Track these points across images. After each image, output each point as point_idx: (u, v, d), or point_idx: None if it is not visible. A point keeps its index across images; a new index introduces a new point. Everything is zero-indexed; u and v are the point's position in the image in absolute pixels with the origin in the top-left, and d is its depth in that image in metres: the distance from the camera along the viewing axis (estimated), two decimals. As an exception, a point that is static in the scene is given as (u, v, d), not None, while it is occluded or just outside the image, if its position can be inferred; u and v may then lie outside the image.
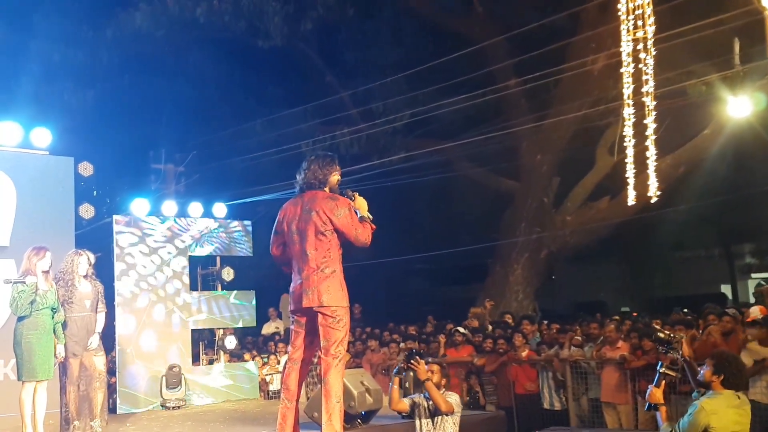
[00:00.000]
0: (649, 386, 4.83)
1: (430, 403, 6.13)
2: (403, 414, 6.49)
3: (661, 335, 4.97)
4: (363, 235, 5.17)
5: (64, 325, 6.82)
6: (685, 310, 11.59)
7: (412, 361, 6.12)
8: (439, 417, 6.11)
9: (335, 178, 5.36)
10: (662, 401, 4.76)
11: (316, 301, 5.10)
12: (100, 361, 7.08)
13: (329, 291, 5.10)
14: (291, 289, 5.32)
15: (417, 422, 6.23)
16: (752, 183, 14.71)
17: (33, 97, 12.07)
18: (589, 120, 14.41)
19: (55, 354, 6.62)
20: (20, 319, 6.46)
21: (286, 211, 5.35)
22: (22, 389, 6.43)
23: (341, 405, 5.15)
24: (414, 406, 6.25)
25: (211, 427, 7.82)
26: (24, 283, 6.41)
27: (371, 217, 5.31)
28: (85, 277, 7.15)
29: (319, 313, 5.13)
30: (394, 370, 6.45)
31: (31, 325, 6.42)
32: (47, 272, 6.65)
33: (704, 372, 4.71)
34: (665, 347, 4.95)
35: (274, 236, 5.45)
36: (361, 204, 5.31)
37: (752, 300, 12.92)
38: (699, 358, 8.10)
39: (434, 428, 6.12)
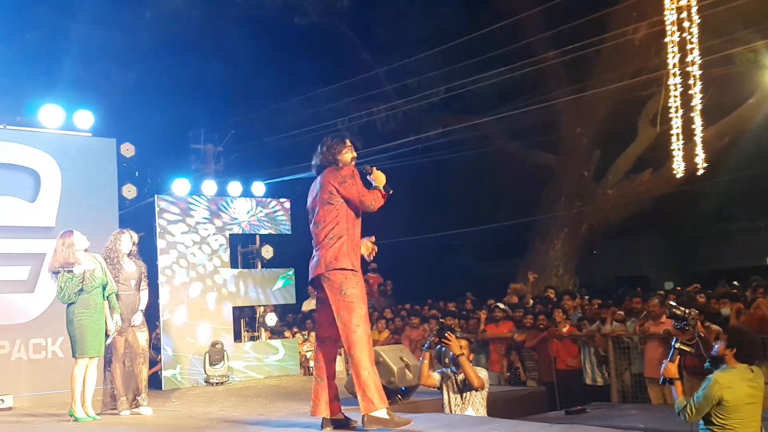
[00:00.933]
0: (664, 361, 4.92)
1: (460, 377, 6.13)
2: (436, 388, 6.46)
3: (677, 312, 5.02)
4: (368, 199, 5.19)
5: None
6: (735, 283, 11.39)
7: (445, 336, 6.10)
8: (468, 392, 6.10)
9: (348, 155, 5.40)
10: (677, 376, 4.86)
11: (323, 268, 5.12)
12: (143, 337, 7.21)
13: (336, 257, 5.10)
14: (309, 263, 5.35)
15: (445, 396, 6.22)
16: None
17: (75, 79, 12.24)
18: (629, 91, 14.11)
19: (106, 332, 6.73)
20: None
21: (308, 194, 5.46)
22: (75, 366, 6.58)
23: (374, 375, 5.05)
24: (443, 380, 6.24)
25: (254, 402, 7.93)
26: (71, 272, 6.51)
27: (391, 190, 5.33)
28: (129, 255, 7.26)
29: (327, 282, 5.12)
30: (425, 345, 6.44)
31: (82, 305, 6.54)
32: (87, 249, 6.71)
33: (718, 347, 4.81)
34: (681, 323, 5.01)
35: (308, 219, 5.54)
36: (379, 177, 5.34)
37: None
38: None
39: (463, 403, 6.11)
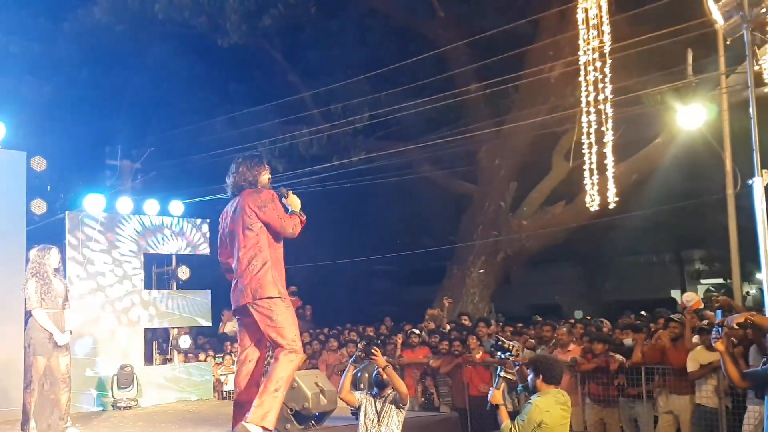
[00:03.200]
0: (491, 389, 5.34)
1: (377, 401, 6.13)
2: (352, 408, 6.40)
3: (505, 345, 5.53)
4: (289, 225, 5.20)
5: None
6: (643, 313, 11.86)
7: (371, 351, 6.07)
8: (385, 414, 6.09)
9: (265, 177, 5.43)
10: (502, 402, 5.29)
11: (250, 297, 5.10)
12: (65, 362, 6.94)
13: (261, 285, 5.09)
14: (231, 290, 5.31)
15: (362, 418, 6.19)
16: (703, 191, 15.05)
17: (-16, 90, 11.83)
18: (546, 126, 14.60)
19: None
20: None
21: (222, 216, 5.44)
22: None
23: (281, 400, 5.02)
24: (361, 402, 6.21)
25: (163, 427, 7.75)
26: None
27: (303, 216, 5.35)
28: (55, 272, 7.01)
29: (255, 310, 5.11)
30: (351, 358, 6.49)
31: None
32: None
33: (530, 378, 5.27)
34: (505, 354, 5.51)
35: (219, 243, 5.54)
36: (294, 201, 5.36)
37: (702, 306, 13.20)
38: (649, 362, 8.35)
39: (379, 424, 6.09)
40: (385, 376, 6.08)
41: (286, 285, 5.28)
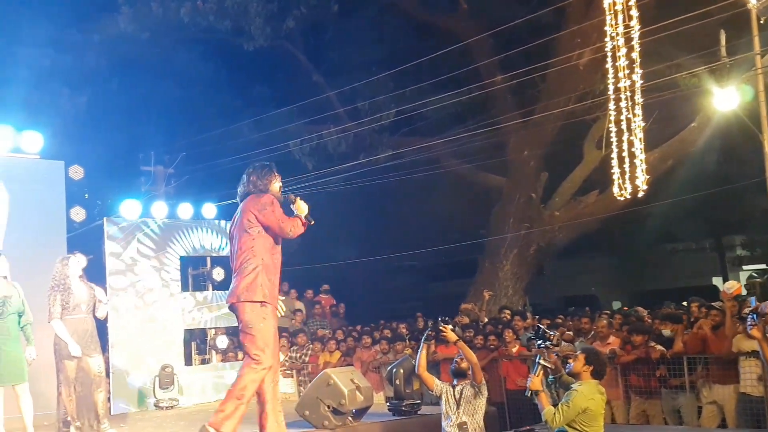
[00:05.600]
0: (530, 376, 5.50)
1: (456, 390, 6.43)
2: (431, 392, 6.64)
3: (545, 333, 5.76)
4: (287, 226, 5.30)
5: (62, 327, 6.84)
6: (684, 303, 11.70)
7: (441, 327, 6.43)
8: (463, 400, 6.38)
9: (276, 185, 5.57)
10: (541, 388, 5.42)
11: (235, 297, 5.26)
12: (95, 363, 7.04)
13: (248, 288, 5.22)
14: None
15: (443, 406, 6.48)
16: (741, 175, 14.79)
17: (23, 102, 12.06)
18: (576, 115, 14.45)
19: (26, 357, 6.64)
20: None
21: (231, 222, 5.62)
22: None
23: (243, 411, 5.22)
24: (442, 392, 6.51)
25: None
26: None
27: (312, 221, 5.48)
28: (80, 278, 7.14)
29: (237, 311, 5.28)
30: (423, 338, 6.75)
31: None
32: (6, 277, 6.66)
33: (574, 364, 5.44)
34: (545, 343, 5.69)
35: (230, 248, 5.71)
36: (301, 207, 5.48)
37: (744, 292, 13.00)
38: (690, 351, 8.23)
39: (458, 410, 6.35)
40: (464, 364, 6.43)
41: (279, 291, 5.46)
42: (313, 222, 5.47)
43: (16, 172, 8.97)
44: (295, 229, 5.32)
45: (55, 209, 9.21)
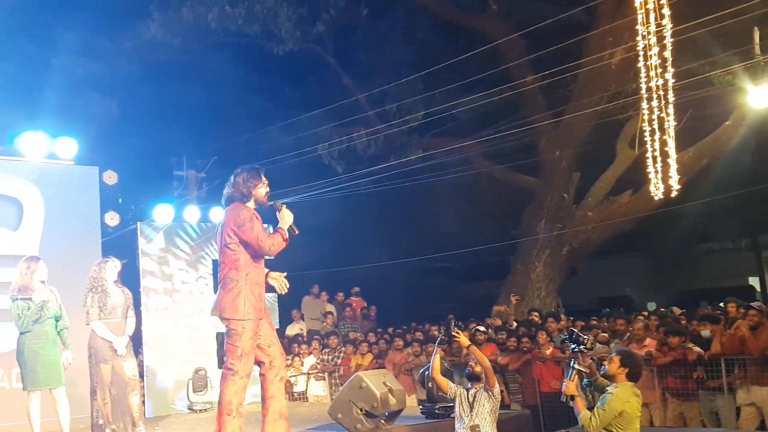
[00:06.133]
0: (565, 381, 5.47)
1: (469, 393, 6.48)
2: (446, 394, 6.72)
3: (578, 337, 5.69)
4: (266, 244, 5.29)
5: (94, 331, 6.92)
6: (721, 304, 11.50)
7: (454, 332, 6.53)
8: (476, 403, 6.41)
9: (261, 190, 5.50)
10: (577, 393, 5.40)
11: (218, 312, 5.33)
12: (128, 366, 7.12)
13: (227, 303, 5.27)
14: None
15: (457, 408, 6.54)
16: (776, 174, 14.54)
17: (57, 108, 12.26)
18: (608, 114, 14.30)
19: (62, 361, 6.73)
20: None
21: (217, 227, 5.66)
22: (28, 399, 6.52)
23: (234, 423, 5.27)
24: (456, 394, 6.58)
25: (239, 430, 7.87)
26: (30, 300, 6.47)
27: (296, 230, 5.42)
28: (115, 283, 7.23)
29: (222, 321, 5.38)
30: (437, 341, 6.93)
31: (34, 336, 6.50)
32: (44, 281, 6.74)
33: (609, 366, 5.40)
34: (579, 347, 5.63)
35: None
36: (286, 216, 5.45)
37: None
38: (728, 353, 8.09)
39: (471, 412, 6.39)
40: (477, 368, 6.46)
41: (264, 301, 5.50)
42: (297, 232, 5.44)
43: (51, 178, 9.14)
44: (274, 246, 5.32)
45: (90, 214, 9.36)
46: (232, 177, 5.54)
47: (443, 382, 6.69)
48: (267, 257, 5.46)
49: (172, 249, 10.38)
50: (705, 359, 8.26)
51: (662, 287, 23.11)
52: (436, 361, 6.72)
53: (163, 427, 8.56)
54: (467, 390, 6.55)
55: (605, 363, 5.54)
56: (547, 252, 15.29)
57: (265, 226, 5.74)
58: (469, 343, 6.57)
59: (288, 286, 5.63)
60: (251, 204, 5.44)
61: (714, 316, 9.13)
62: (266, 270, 5.65)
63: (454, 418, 6.64)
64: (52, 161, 9.23)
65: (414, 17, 17.95)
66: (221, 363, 10.81)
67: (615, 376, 5.34)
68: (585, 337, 5.70)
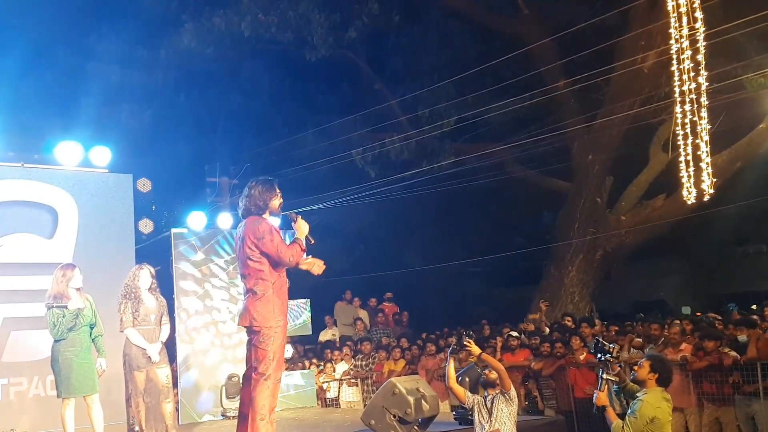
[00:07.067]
0: (595, 391, 5.43)
1: (487, 400, 6.54)
2: (460, 404, 6.77)
3: (603, 346, 5.59)
4: (286, 255, 5.37)
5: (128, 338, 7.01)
6: (753, 307, 11.33)
7: (465, 341, 6.56)
8: (494, 409, 6.47)
9: (276, 202, 5.58)
10: (608, 403, 5.37)
11: (247, 321, 5.40)
12: (163, 373, 7.20)
13: (258, 311, 5.36)
14: None
15: (476, 417, 6.58)
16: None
17: (92, 117, 12.50)
18: (641, 118, 14.15)
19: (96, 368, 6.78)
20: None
21: (235, 239, 5.71)
22: (63, 408, 6.56)
23: (268, 425, 5.31)
24: (473, 403, 6.63)
25: (272, 435, 7.92)
26: (65, 307, 6.53)
27: (312, 240, 5.54)
28: (149, 290, 7.32)
29: (250, 334, 5.45)
30: (450, 350, 7.01)
31: (68, 343, 6.54)
32: (80, 289, 6.77)
33: (639, 371, 5.37)
34: (605, 356, 5.54)
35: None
36: (302, 227, 5.53)
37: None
38: (763, 357, 7.95)
39: (491, 419, 6.45)
40: (492, 375, 6.51)
41: (286, 311, 5.53)
42: (312, 242, 5.56)
43: (86, 186, 9.29)
44: (294, 257, 5.43)
45: (124, 221, 9.48)
46: (246, 189, 5.63)
47: (459, 390, 6.76)
48: (288, 267, 5.54)
49: (206, 255, 10.48)
50: (741, 364, 8.14)
51: (697, 291, 22.73)
52: (450, 370, 6.81)
53: None
54: (484, 397, 6.61)
55: (635, 368, 5.53)
56: (580, 256, 15.17)
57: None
58: (480, 351, 6.64)
59: (324, 266, 5.69)
60: (267, 215, 5.55)
61: (750, 320, 9.00)
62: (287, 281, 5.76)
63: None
64: (87, 169, 9.38)
65: (446, 22, 17.94)
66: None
67: (645, 381, 5.31)
68: (610, 345, 5.66)
